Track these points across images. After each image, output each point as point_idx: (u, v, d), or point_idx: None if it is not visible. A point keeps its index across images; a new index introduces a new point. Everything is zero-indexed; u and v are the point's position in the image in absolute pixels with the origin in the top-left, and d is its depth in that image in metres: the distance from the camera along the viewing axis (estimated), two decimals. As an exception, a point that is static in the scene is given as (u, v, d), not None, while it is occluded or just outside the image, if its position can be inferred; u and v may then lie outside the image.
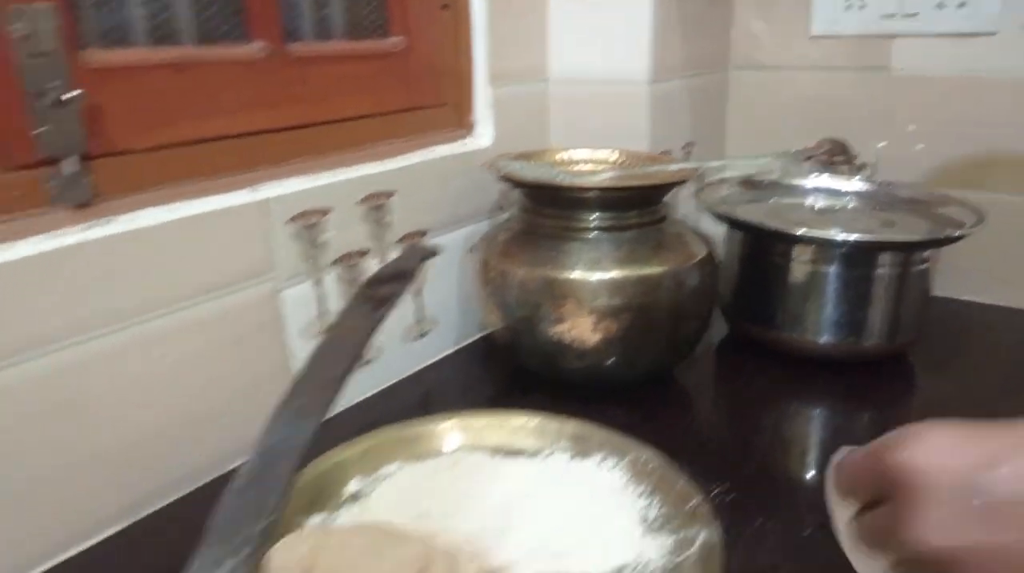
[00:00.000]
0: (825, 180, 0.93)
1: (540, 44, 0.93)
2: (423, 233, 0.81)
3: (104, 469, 0.56)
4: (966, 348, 0.88)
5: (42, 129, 0.50)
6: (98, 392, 0.55)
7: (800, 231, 0.76)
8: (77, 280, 0.53)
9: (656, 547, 0.54)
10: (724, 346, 0.88)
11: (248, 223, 0.64)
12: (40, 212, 0.52)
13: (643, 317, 0.71)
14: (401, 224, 0.78)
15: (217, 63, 0.62)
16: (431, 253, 0.46)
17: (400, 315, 0.80)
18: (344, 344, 0.37)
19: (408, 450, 0.64)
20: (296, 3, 0.69)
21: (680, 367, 0.80)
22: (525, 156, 0.81)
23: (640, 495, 0.60)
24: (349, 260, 0.73)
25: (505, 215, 0.87)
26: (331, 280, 0.72)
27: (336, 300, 0.72)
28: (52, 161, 0.52)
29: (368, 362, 0.77)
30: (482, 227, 0.87)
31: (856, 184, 0.91)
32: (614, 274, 0.70)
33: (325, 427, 0.34)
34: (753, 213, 0.83)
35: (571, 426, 0.66)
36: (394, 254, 0.77)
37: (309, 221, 0.68)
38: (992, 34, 0.92)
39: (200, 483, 0.63)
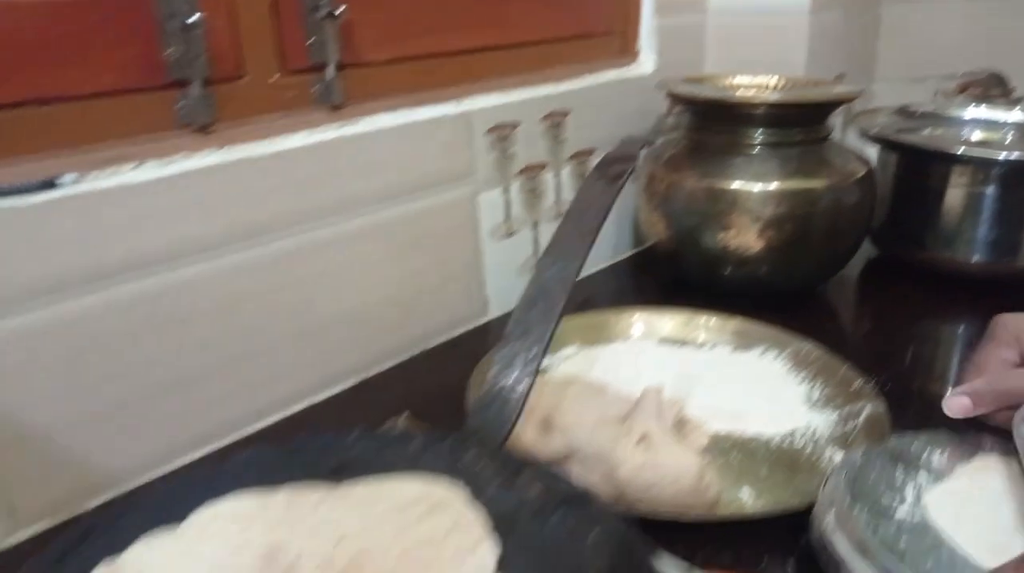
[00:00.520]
0: (983, 111, 0.94)
1: (700, -24, 0.98)
2: (591, 151, 0.88)
3: (320, 340, 0.66)
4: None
5: (312, 39, 0.60)
6: (320, 272, 0.64)
7: (960, 150, 0.79)
8: (328, 171, 0.63)
9: (822, 420, 0.61)
10: (874, 266, 0.92)
11: (454, 132, 0.73)
12: (306, 112, 0.62)
13: (802, 228, 0.76)
14: (573, 142, 0.85)
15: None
16: (648, 142, 0.53)
17: (568, 226, 0.88)
18: (590, 208, 0.45)
19: (584, 336, 0.73)
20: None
21: (831, 282, 0.85)
22: (692, 80, 0.86)
23: (802, 381, 0.66)
24: (531, 172, 0.81)
25: (661, 138, 0.93)
26: (515, 189, 0.80)
27: (520, 207, 0.81)
28: (318, 68, 0.62)
29: (540, 267, 0.86)
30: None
31: (1016, 115, 0.91)
32: (778, 186, 0.75)
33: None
34: (908, 139, 0.86)
35: (733, 323, 0.73)
36: (567, 170, 0.85)
37: (502, 133, 0.77)
38: None
39: (399, 360, 0.73)
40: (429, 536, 0.31)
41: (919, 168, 0.85)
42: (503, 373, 0.39)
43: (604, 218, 0.44)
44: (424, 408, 0.58)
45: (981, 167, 0.80)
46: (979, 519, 0.41)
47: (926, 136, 0.91)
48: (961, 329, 0.80)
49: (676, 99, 0.81)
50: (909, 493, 0.43)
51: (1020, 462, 0.42)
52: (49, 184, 0.47)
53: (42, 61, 0.48)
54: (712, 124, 0.80)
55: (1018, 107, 0.92)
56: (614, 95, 0.89)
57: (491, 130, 0.76)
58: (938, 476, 0.44)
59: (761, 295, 0.81)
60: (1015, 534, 0.39)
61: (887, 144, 0.86)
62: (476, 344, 0.76)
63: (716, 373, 0.68)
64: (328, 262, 0.65)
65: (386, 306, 0.71)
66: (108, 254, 0.51)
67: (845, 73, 1.05)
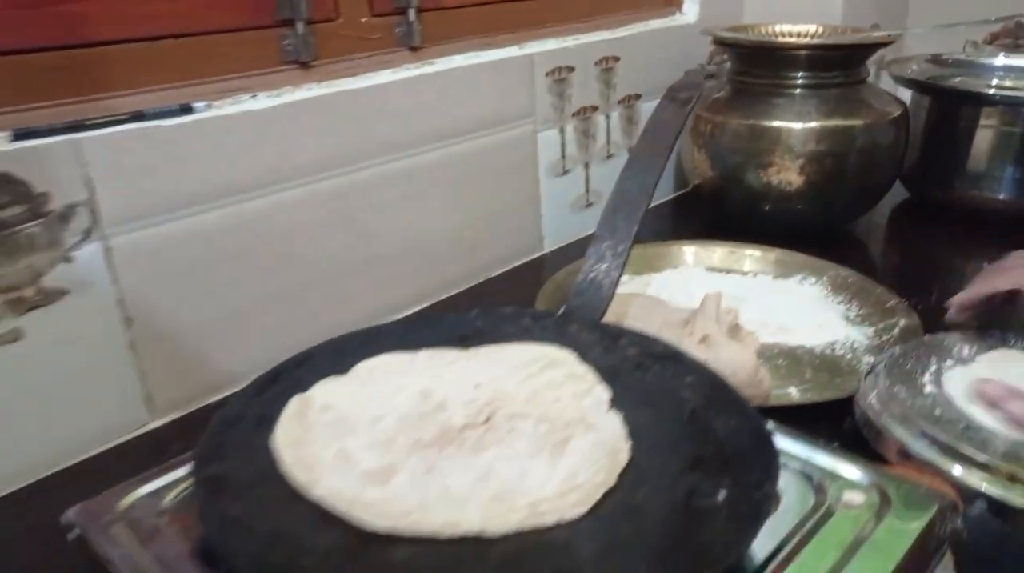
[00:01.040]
0: (1011, 59, 0.98)
1: (742, -72, 1.02)
2: (638, 96, 0.93)
3: (399, 263, 0.72)
4: None
5: (398, -17, 0.66)
6: (399, 200, 0.70)
7: (990, 91, 0.84)
8: (409, 106, 0.69)
9: (859, 333, 0.67)
10: (904, 207, 0.98)
11: (518, 74, 0.78)
12: (389, 51, 0.68)
13: (840, 165, 0.81)
14: (622, 87, 0.90)
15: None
16: (711, 74, 0.58)
17: (616, 166, 0.94)
18: (664, 127, 0.51)
19: (637, 267, 0.79)
20: None
21: (864, 222, 0.91)
22: (736, 28, 0.91)
23: (840, 302, 0.72)
24: (584, 114, 0.87)
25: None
26: (570, 130, 0.86)
27: (573, 147, 0.87)
28: (401, 11, 0.68)
29: (590, 205, 0.92)
30: (683, 96, 0.99)
31: (1044, 61, 0.96)
32: (818, 124, 0.80)
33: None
34: (940, 82, 0.91)
35: (775, 254, 0.79)
36: (616, 113, 0.91)
37: (560, 76, 0.82)
38: None
39: (463, 287, 0.79)
40: (549, 383, 0.38)
41: (950, 111, 0.89)
42: (596, 265, 0.45)
43: (677, 136, 0.50)
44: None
45: (1010, 108, 0.84)
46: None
47: (956, 82, 0.96)
48: (988, 262, 0.86)
49: (722, 44, 0.86)
50: (941, 376, 0.49)
51: None
52: (187, 109, 0.54)
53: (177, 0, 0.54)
54: (755, 68, 0.85)
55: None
56: (660, 43, 0.94)
57: (550, 73, 0.81)
58: (965, 363, 0.51)
59: (799, 230, 0.86)
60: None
61: (920, 87, 0.91)
62: (532, 276, 0.82)
63: (761, 296, 0.74)
64: (406, 191, 0.71)
65: (453, 235, 0.77)
66: (230, 173, 0.57)
67: (879, 24, 1.09)
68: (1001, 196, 0.88)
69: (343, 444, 0.33)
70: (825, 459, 0.36)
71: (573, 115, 0.86)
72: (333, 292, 0.67)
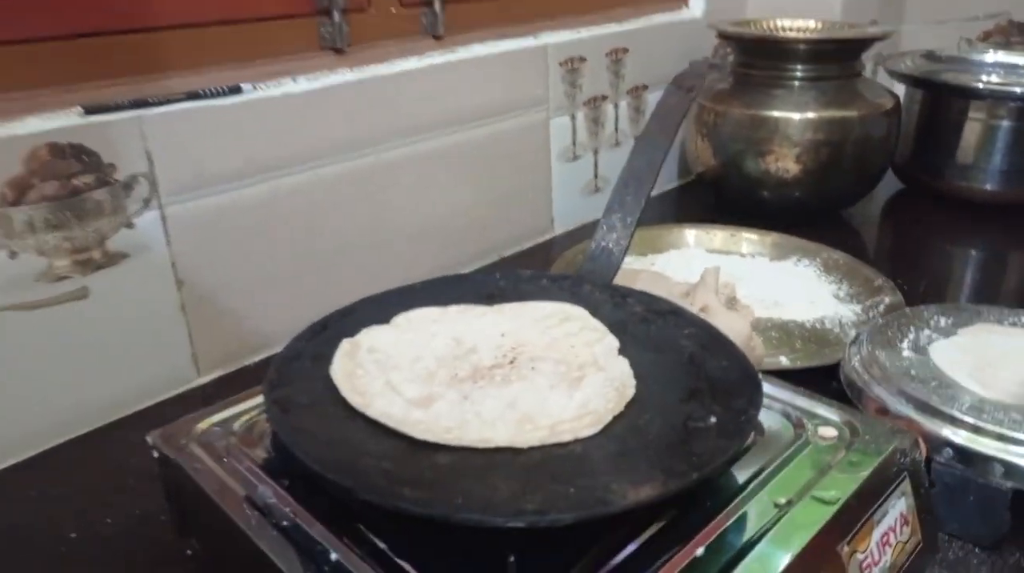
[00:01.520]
0: (1001, 56, 1.03)
1: (747, -72, 1.07)
2: (645, 87, 0.98)
3: (421, 239, 0.77)
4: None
5: (425, -24, 0.71)
6: (420, 180, 0.75)
7: (979, 85, 0.89)
8: (433, 91, 0.74)
9: (848, 310, 0.73)
10: (897, 197, 1.03)
11: (533, 63, 0.83)
12: (415, 39, 0.73)
13: (835, 153, 0.87)
14: (631, 78, 0.96)
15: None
16: (714, 65, 0.63)
17: (622, 154, 0.99)
18: (670, 111, 0.56)
19: (640, 247, 0.84)
20: None
21: (858, 209, 0.96)
22: (739, 23, 0.96)
23: (831, 282, 0.78)
24: (594, 103, 0.92)
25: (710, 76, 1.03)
26: (581, 117, 0.91)
27: (584, 134, 0.92)
28: (427, 2, 0.73)
29: (598, 191, 0.97)
30: (688, 87, 1.04)
31: (1033, 58, 1.00)
32: (815, 115, 0.85)
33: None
34: (932, 76, 0.96)
35: (771, 237, 0.84)
36: (624, 103, 0.96)
37: (572, 66, 0.87)
38: None
39: (478, 265, 0.85)
40: (566, 333, 0.43)
41: (941, 104, 0.94)
42: (608, 234, 0.50)
43: (681, 119, 0.56)
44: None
45: (997, 102, 0.89)
46: (971, 362, 0.52)
47: (948, 77, 1.01)
48: (973, 248, 0.91)
49: (726, 38, 0.91)
50: (919, 343, 0.55)
51: None
52: (236, 90, 0.59)
53: (227, -11, 0.60)
54: (757, 60, 0.90)
55: (1032, 52, 1.01)
56: (667, 36, 0.99)
57: (563, 63, 0.86)
58: (944, 334, 0.56)
59: (796, 215, 0.92)
60: (997, 370, 0.51)
61: (912, 82, 0.96)
62: (542, 257, 0.88)
63: (758, 275, 0.79)
64: (427, 172, 0.76)
65: (470, 214, 0.82)
66: (272, 150, 0.63)
67: (876, 20, 1.14)
68: (988, 187, 0.93)
69: (389, 377, 0.38)
70: (804, 401, 0.41)
71: (584, 103, 0.91)
72: (359, 263, 0.72)
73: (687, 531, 0.32)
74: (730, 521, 0.33)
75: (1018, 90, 0.87)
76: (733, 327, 0.61)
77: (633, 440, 0.34)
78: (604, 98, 0.93)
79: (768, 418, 0.40)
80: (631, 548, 0.31)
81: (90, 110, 0.53)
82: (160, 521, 0.45)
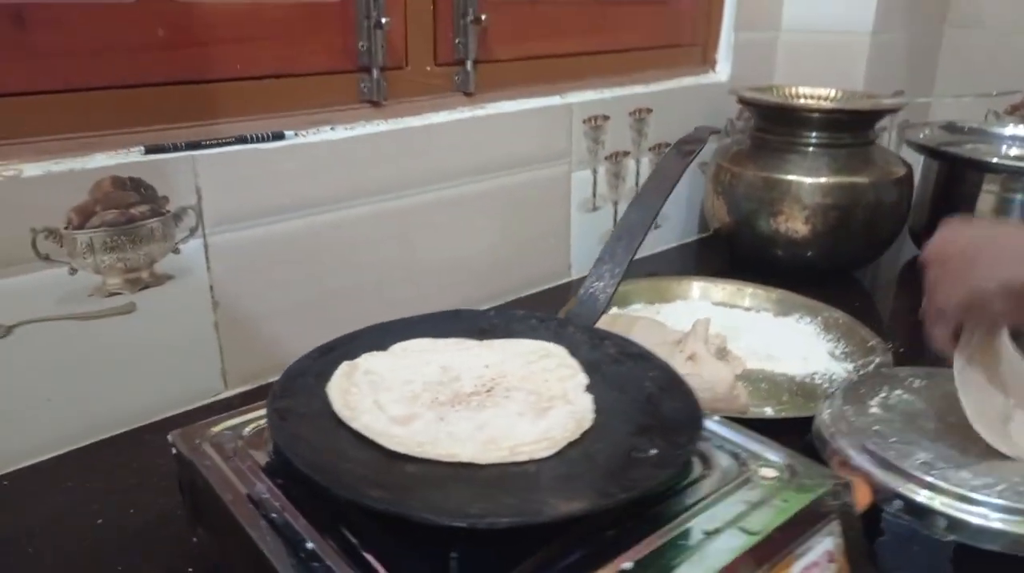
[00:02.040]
0: (1022, 130, 1.06)
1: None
2: (668, 144, 1.03)
3: (441, 276, 0.83)
4: None
5: (458, 40, 0.78)
6: (446, 222, 0.81)
7: (992, 160, 0.91)
8: (462, 143, 0.80)
9: (840, 367, 0.75)
10: (913, 263, 1.05)
11: (557, 120, 0.90)
12: (447, 95, 0.80)
13: (844, 217, 0.90)
14: (654, 135, 1.01)
15: (554, 1, 0.88)
16: (716, 130, 0.68)
17: (644, 206, 1.04)
18: (668, 172, 0.61)
19: (650, 296, 0.89)
20: (602, -40, 0.93)
21: (873, 272, 0.99)
22: (758, 89, 1.01)
23: (829, 340, 0.81)
24: (616, 158, 0.98)
25: (729, 139, 1.08)
26: (602, 171, 0.97)
27: (604, 187, 0.97)
28: (460, 62, 0.80)
29: (617, 239, 1.02)
30: (710, 147, 1.08)
31: (1052, 134, 1.03)
32: (826, 179, 0.89)
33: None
34: (947, 149, 0.99)
35: (776, 293, 0.88)
36: (646, 159, 1.01)
37: (595, 123, 0.93)
38: None
39: (499, 302, 0.90)
40: (543, 368, 0.48)
41: (956, 175, 0.97)
42: (596, 282, 0.55)
43: (676, 182, 0.61)
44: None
45: (1010, 176, 0.92)
46: (932, 421, 0.55)
47: (967, 148, 1.04)
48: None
49: (744, 103, 0.96)
50: (888, 401, 0.58)
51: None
52: (279, 135, 0.66)
53: (279, 48, 0.67)
54: (774, 126, 0.94)
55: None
56: (692, 97, 1.05)
57: (586, 120, 0.92)
58: (914, 393, 0.59)
59: (807, 275, 0.95)
60: (954, 430, 0.53)
61: (928, 152, 0.99)
62: (559, 299, 0.92)
63: (758, 328, 0.83)
64: (453, 215, 0.82)
65: (491, 256, 0.88)
66: (309, 191, 0.70)
67: (903, 90, 1.18)
68: (1001, 256, 0.95)
69: (378, 397, 0.44)
70: (755, 445, 0.45)
71: (606, 158, 0.97)
72: (384, 296, 0.78)
73: (621, 547, 0.36)
74: (661, 542, 0.37)
75: (1029, 165, 0.90)
76: (718, 375, 0.65)
77: (582, 464, 0.38)
78: (626, 154, 0.99)
79: (718, 457, 0.44)
80: (571, 558, 0.36)
81: (150, 149, 0.60)
82: (177, 516, 0.51)
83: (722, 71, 1.09)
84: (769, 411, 0.67)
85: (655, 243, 1.08)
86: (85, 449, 0.62)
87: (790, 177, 0.91)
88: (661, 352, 0.67)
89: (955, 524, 0.47)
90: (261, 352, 0.71)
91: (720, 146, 1.03)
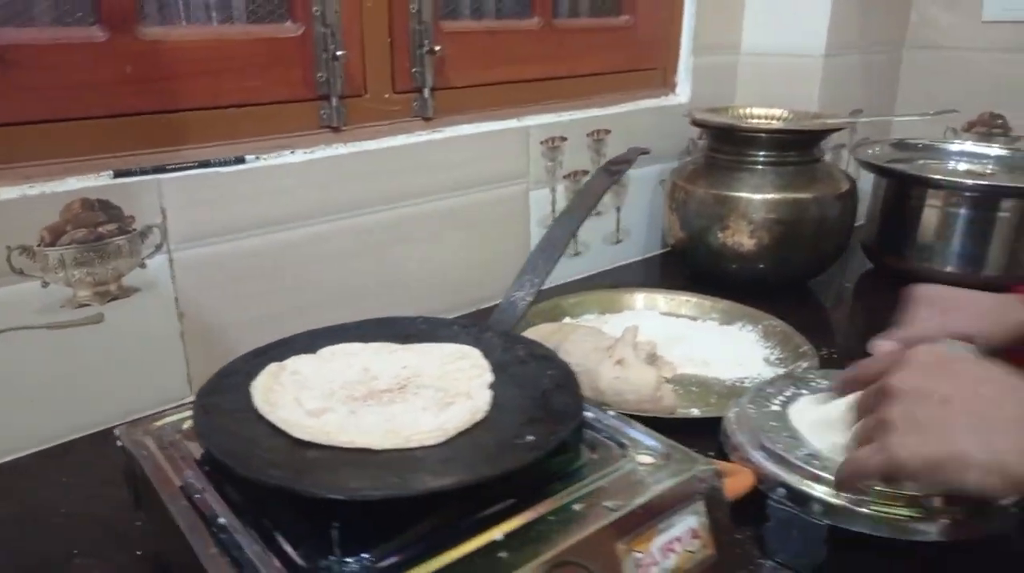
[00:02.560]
0: (969, 146, 1.10)
1: (736, 22, 1.17)
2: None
3: (404, 289, 0.88)
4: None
5: (415, 69, 0.84)
6: (407, 240, 0.87)
7: (936, 176, 0.96)
8: (420, 165, 0.86)
9: (770, 372, 0.79)
10: (866, 275, 1.09)
11: (515, 142, 0.95)
12: (406, 120, 0.86)
13: (791, 231, 0.94)
14: (612, 154, 1.06)
15: (510, 31, 0.94)
16: (645, 151, 0.73)
17: (605, 222, 1.09)
18: (593, 190, 0.66)
19: (601, 306, 0.94)
20: (559, -8, 0.99)
21: (824, 284, 1.03)
22: (713, 110, 1.06)
23: (765, 346, 0.85)
24: (575, 177, 1.03)
25: (689, 158, 1.12)
26: (561, 189, 1.02)
27: (563, 204, 1.03)
28: (417, 89, 0.86)
29: (578, 254, 1.07)
30: (671, 165, 1.13)
31: (997, 150, 1.07)
32: (772, 195, 0.94)
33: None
34: (892, 166, 1.03)
35: (722, 304, 0.92)
36: (607, 176, 1.06)
37: (553, 145, 0.99)
38: None
39: (459, 313, 0.95)
40: (457, 368, 0.53)
41: (902, 191, 1.01)
42: (516, 292, 0.60)
43: (599, 198, 0.66)
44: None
45: (952, 191, 0.96)
46: (825, 424, 0.59)
47: (916, 165, 1.08)
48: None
49: (696, 124, 1.01)
50: (788, 401, 0.62)
51: None
52: (240, 160, 0.72)
53: (241, 79, 0.74)
54: (724, 145, 0.99)
55: (998, 143, 1.07)
56: (653, 119, 1.10)
57: (544, 142, 0.98)
58: (815, 395, 0.63)
59: (759, 288, 0.99)
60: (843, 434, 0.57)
61: (874, 169, 1.03)
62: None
63: (698, 336, 0.87)
64: (413, 233, 0.88)
65: (452, 273, 0.93)
66: (270, 210, 0.75)
67: (862, 109, 1.22)
68: (948, 268, 0.99)
69: (298, 394, 0.49)
70: (638, 435, 0.49)
71: (564, 177, 1.02)
72: (346, 309, 0.83)
73: (495, 522, 0.41)
74: (533, 517, 0.42)
75: (969, 181, 0.94)
76: (643, 378, 0.69)
77: (466, 451, 0.43)
78: (585, 172, 1.04)
79: (601, 444, 0.48)
80: (447, 532, 0.40)
81: (119, 174, 0.66)
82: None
83: (682, 93, 1.14)
84: (696, 412, 0.72)
85: (618, 256, 1.13)
86: (64, 446, 0.67)
87: (737, 194, 0.95)
88: (594, 357, 0.72)
89: (830, 509, 0.51)
90: (225, 359, 0.75)
91: (679, 165, 1.08)
